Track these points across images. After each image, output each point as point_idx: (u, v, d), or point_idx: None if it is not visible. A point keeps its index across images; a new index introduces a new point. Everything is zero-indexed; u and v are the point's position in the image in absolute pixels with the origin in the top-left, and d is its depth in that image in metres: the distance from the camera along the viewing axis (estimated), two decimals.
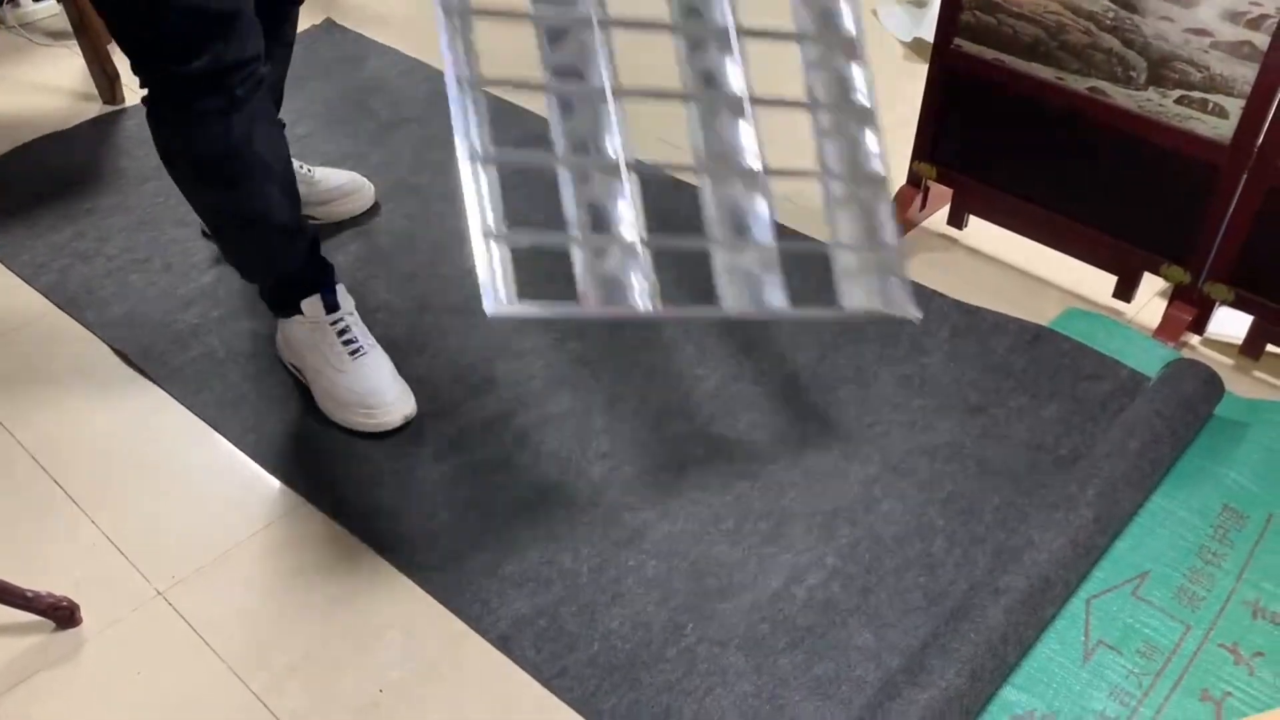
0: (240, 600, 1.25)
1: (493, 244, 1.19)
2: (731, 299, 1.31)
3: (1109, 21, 1.47)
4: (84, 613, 1.22)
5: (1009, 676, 1.16)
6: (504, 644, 1.20)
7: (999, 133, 1.69)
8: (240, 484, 1.39)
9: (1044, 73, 1.57)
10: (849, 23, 1.43)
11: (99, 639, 1.21)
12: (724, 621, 1.22)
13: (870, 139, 1.43)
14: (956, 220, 1.83)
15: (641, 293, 1.24)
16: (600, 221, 1.26)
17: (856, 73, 1.43)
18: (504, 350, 1.57)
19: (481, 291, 1.17)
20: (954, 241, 1.85)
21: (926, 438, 1.44)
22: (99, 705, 1.14)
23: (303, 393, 1.49)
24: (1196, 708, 1.14)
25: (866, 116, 1.43)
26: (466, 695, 1.16)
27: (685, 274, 1.39)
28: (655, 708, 1.14)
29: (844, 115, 1.43)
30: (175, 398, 1.50)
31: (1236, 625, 1.23)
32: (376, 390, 1.43)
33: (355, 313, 1.48)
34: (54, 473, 1.40)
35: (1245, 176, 1.46)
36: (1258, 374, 1.59)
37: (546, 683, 1.16)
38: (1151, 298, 1.71)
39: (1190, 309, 1.60)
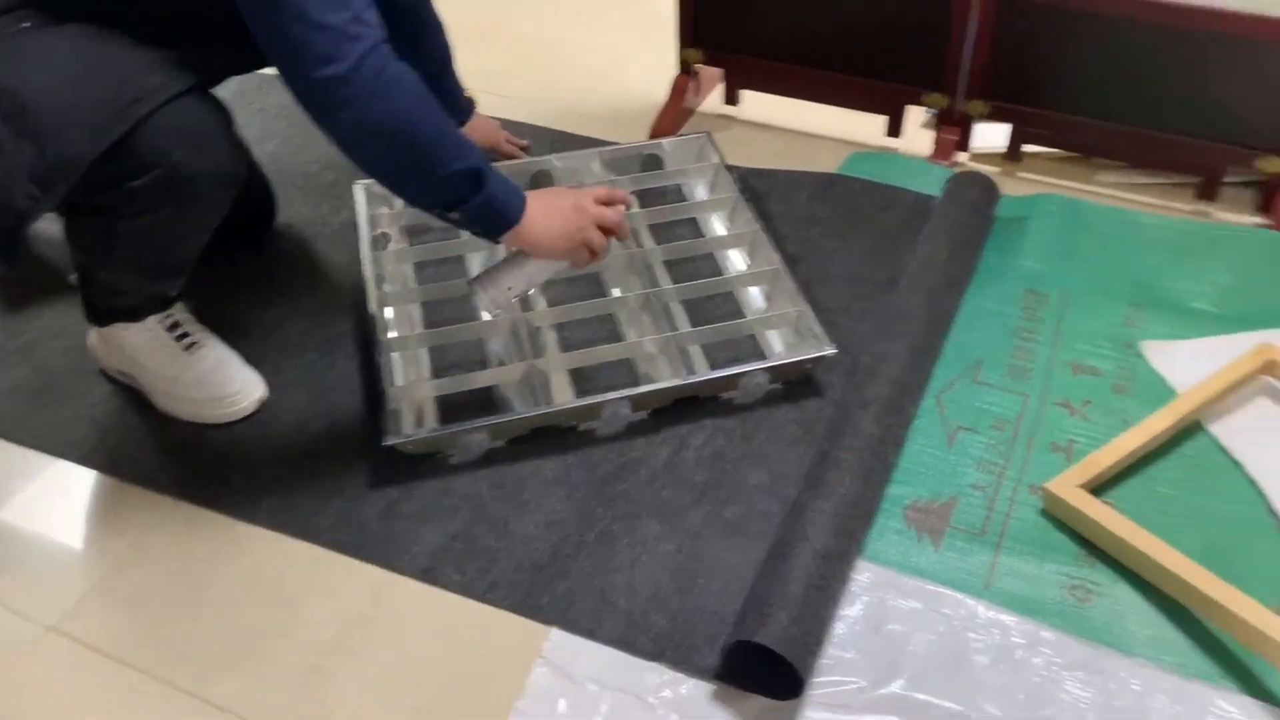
0: (143, 611, 1.20)
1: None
2: None
3: None
4: None
5: (891, 475, 1.28)
6: (428, 575, 1.21)
7: (751, 5, 1.78)
8: (103, 501, 1.32)
9: None
10: None
11: None
12: (630, 497, 1.27)
13: None
14: (731, 98, 1.93)
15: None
16: None
17: None
18: (320, 313, 1.54)
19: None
20: (733, 119, 1.94)
21: None
22: None
23: (138, 397, 1.42)
24: (1050, 458, 1.29)
25: None
26: (406, 633, 1.16)
27: None
28: (590, 590, 1.18)
29: None
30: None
31: (1063, 384, 1.39)
32: (224, 380, 1.38)
33: (182, 303, 1.41)
34: None
35: None
36: (1022, 175, 1.77)
37: (481, 598, 1.18)
38: (919, 129, 1.86)
39: (954, 130, 1.76)
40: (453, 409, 1.38)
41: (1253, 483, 1.25)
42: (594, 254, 1.31)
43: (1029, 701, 1.06)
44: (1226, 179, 1.67)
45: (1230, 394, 1.33)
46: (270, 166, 1.69)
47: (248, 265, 1.62)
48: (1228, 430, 1.31)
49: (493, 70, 2.05)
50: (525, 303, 1.48)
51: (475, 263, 1.59)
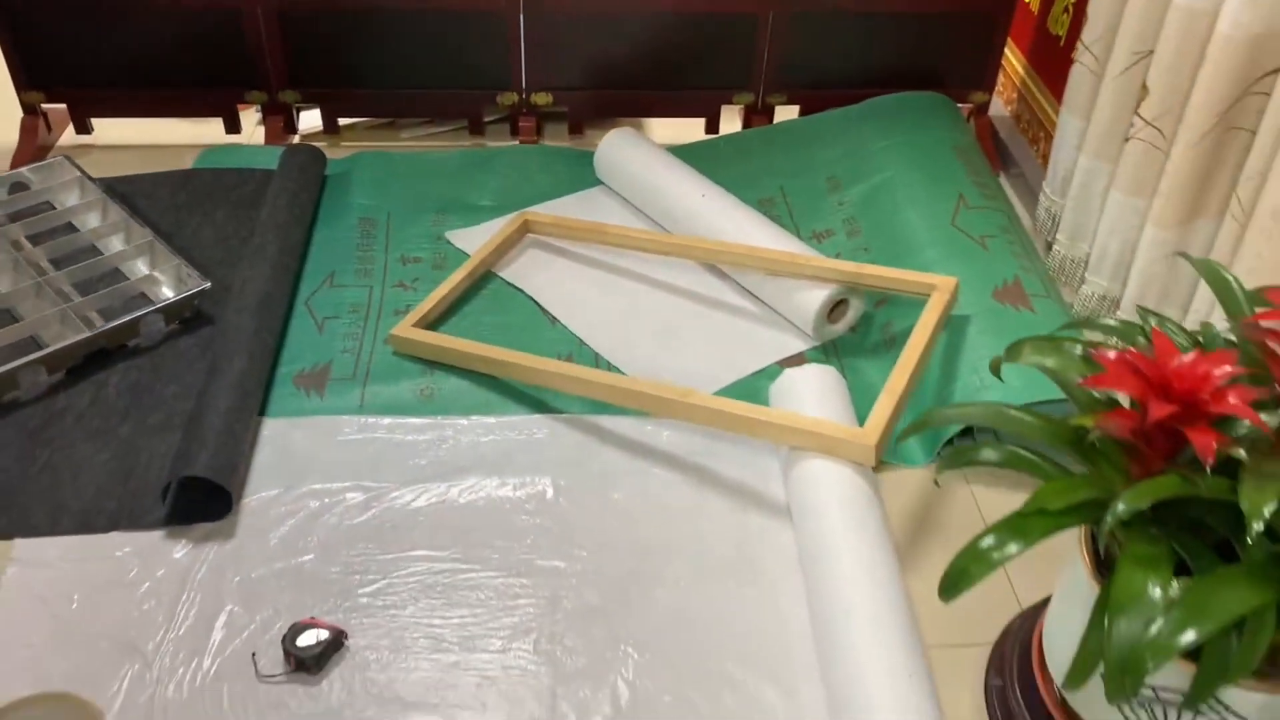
0: None
1: None
2: None
3: None
4: None
5: (278, 357, 1.65)
6: None
7: (79, 39, 2.04)
8: None
9: None
10: None
11: None
12: (62, 436, 1.51)
13: None
14: (82, 127, 2.17)
15: None
16: None
17: None
18: None
19: None
20: (91, 146, 2.18)
21: None
22: None
23: None
24: (395, 319, 1.73)
25: None
26: None
27: None
28: (44, 503, 1.41)
29: None
30: None
31: (397, 272, 1.85)
32: None
33: None
34: None
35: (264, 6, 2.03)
36: (345, 144, 2.24)
37: None
38: (258, 125, 2.25)
39: (279, 117, 2.17)
40: None
41: (532, 299, 1.80)
42: None
43: (398, 464, 1.49)
44: (487, 117, 2.26)
45: (508, 249, 1.89)
46: None
47: None
48: (510, 271, 1.86)
49: None
50: None
51: None
